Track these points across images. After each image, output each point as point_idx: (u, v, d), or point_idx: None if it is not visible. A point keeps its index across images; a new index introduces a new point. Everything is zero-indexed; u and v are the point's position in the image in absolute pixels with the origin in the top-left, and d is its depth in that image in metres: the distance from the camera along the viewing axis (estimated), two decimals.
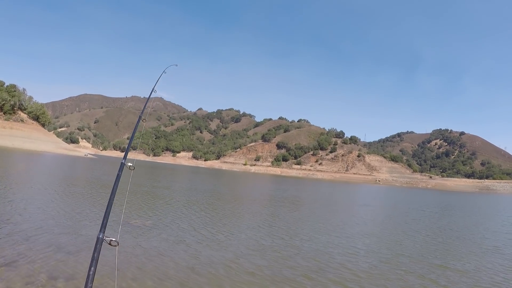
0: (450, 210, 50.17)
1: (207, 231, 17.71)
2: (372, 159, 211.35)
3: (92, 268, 3.12)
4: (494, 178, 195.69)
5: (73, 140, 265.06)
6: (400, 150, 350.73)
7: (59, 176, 38.76)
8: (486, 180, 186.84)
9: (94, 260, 3.16)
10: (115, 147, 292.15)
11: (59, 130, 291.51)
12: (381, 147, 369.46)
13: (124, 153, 5.06)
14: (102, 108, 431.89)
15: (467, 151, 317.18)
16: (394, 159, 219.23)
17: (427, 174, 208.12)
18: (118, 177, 4.06)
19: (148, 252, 12.83)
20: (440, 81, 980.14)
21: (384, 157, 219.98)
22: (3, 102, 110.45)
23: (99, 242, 3.30)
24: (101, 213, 18.68)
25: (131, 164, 4.40)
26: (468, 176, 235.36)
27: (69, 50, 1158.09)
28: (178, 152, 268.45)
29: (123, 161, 4.35)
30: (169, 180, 56.93)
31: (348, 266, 13.74)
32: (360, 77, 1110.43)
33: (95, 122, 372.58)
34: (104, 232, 3.41)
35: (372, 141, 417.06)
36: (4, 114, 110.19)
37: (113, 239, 3.42)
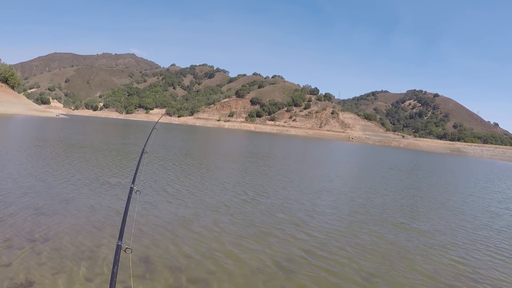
0: (419, 169, 51.46)
1: (172, 188, 17.58)
2: (346, 116, 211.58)
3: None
4: (465, 141, 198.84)
5: (44, 101, 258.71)
6: (374, 109, 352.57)
7: (29, 139, 38.28)
8: (457, 142, 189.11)
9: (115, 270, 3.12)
10: (87, 106, 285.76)
11: (29, 91, 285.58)
12: (355, 105, 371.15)
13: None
14: (72, 66, 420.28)
15: (440, 113, 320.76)
16: (367, 117, 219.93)
17: (400, 133, 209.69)
18: (128, 199, 4.50)
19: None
20: (416, 43, 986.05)
21: (358, 115, 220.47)
22: None
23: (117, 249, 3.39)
24: (76, 174, 19.58)
25: (138, 190, 5.12)
26: (440, 137, 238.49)
27: (36, 8, 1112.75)
28: (151, 109, 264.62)
29: (132, 185, 4.97)
30: (138, 138, 55.55)
31: (306, 222, 14.11)
32: (336, 35, 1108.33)
33: (66, 82, 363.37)
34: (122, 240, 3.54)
35: (346, 98, 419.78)
36: None
37: (128, 247, 3.59)
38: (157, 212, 13.52)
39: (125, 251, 3.47)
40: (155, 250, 9.87)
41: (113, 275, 2.91)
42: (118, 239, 3.44)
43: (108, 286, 2.85)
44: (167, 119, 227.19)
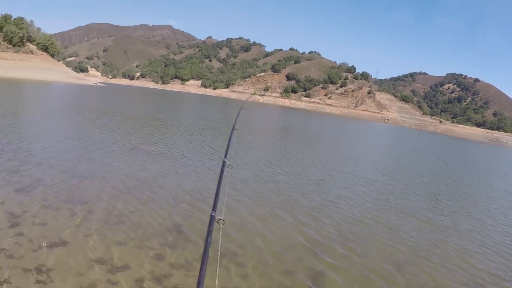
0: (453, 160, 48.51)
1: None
2: (383, 97, 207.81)
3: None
4: (505, 131, 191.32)
5: (82, 69, 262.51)
6: (412, 91, 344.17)
7: (67, 106, 39.91)
8: (497, 131, 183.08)
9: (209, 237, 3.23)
10: (124, 75, 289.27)
11: (68, 60, 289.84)
12: (392, 85, 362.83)
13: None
14: (110, 37, 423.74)
15: (480, 99, 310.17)
16: (404, 99, 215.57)
17: (437, 118, 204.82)
18: (222, 172, 4.78)
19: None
20: (457, 24, 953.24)
21: (395, 96, 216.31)
22: (11, 35, 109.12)
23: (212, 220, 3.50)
24: (108, 138, 20.82)
25: (230, 164, 5.41)
26: (479, 125, 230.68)
27: None
28: (187, 80, 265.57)
29: (224, 159, 5.31)
30: (175, 108, 57.32)
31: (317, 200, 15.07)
32: (375, 11, 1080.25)
33: (104, 51, 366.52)
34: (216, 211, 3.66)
35: (383, 78, 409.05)
36: (13, 46, 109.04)
37: (221, 218, 3.67)
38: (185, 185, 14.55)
39: (217, 222, 3.58)
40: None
41: (207, 244, 3.01)
42: (212, 210, 3.57)
43: (202, 255, 2.93)
44: (202, 91, 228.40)
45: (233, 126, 7.98)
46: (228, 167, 5.28)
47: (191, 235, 9.55)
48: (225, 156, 5.55)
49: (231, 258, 8.60)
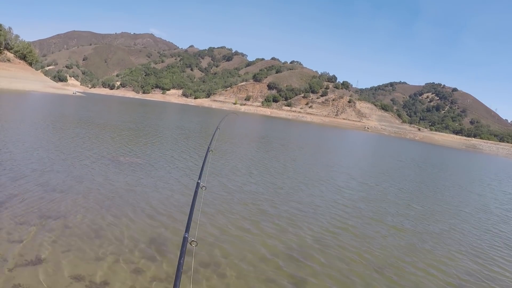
0: (432, 166, 50.02)
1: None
2: (363, 106, 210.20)
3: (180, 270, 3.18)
4: (481, 138, 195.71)
5: (61, 79, 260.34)
6: (391, 100, 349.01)
7: (43, 116, 38.74)
8: (473, 138, 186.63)
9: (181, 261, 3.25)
10: (104, 85, 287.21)
11: (47, 68, 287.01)
12: (372, 94, 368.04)
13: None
14: (91, 45, 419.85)
15: (458, 108, 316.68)
16: (384, 108, 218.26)
17: (416, 126, 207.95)
18: (195, 194, 4.89)
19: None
20: (438, 35, 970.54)
21: (375, 105, 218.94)
22: None
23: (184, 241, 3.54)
24: (90, 149, 20.72)
25: (204, 185, 5.48)
26: (456, 132, 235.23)
27: None
28: (168, 89, 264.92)
29: (198, 181, 5.33)
30: (158, 118, 57.34)
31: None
32: (357, 21, 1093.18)
33: (83, 60, 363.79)
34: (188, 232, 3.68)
35: (364, 88, 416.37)
36: None
37: (194, 240, 3.74)
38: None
39: (190, 244, 3.62)
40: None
41: (180, 266, 3.07)
42: (185, 232, 3.61)
43: (174, 276, 2.94)
44: (183, 100, 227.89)
45: (208, 147, 7.99)
46: (202, 188, 5.34)
47: (171, 248, 9.52)
48: (199, 178, 5.55)
49: (207, 274, 8.55)
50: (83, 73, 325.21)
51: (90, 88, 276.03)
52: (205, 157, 7.02)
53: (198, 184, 5.28)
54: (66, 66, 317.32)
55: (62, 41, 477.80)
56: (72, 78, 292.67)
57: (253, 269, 9.03)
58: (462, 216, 17.78)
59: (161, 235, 10.18)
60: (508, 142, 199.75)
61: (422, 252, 11.90)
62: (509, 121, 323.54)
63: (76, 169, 15.78)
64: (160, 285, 7.69)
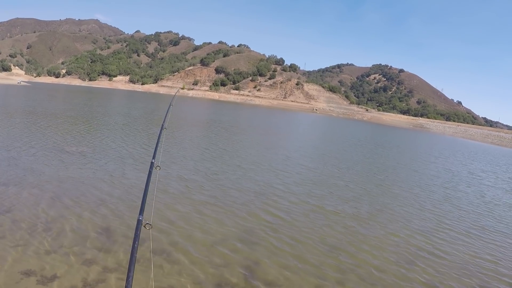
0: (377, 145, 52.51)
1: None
2: (311, 88, 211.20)
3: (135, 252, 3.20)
4: (428, 117, 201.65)
5: (5, 68, 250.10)
6: (339, 81, 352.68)
7: None
8: (420, 118, 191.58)
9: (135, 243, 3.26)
10: (49, 73, 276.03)
11: None
12: (320, 76, 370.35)
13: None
14: (35, 32, 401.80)
15: (405, 89, 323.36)
16: (332, 90, 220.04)
17: (364, 106, 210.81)
18: (149, 174, 4.79)
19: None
20: (384, 16, 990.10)
21: (323, 87, 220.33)
22: None
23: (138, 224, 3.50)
24: (29, 140, 20.25)
25: (158, 165, 5.40)
26: (404, 112, 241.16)
27: None
28: (115, 76, 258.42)
29: (152, 160, 5.23)
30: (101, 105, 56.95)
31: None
32: (304, 3, 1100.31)
33: (27, 48, 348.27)
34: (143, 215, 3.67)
35: (311, 70, 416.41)
36: None
37: (148, 222, 3.69)
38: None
39: (145, 226, 3.51)
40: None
41: (134, 250, 3.01)
42: (139, 214, 3.50)
43: (129, 260, 2.95)
44: (130, 87, 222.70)
45: (162, 125, 7.92)
46: (156, 168, 5.21)
47: (122, 238, 9.39)
48: (153, 157, 5.48)
49: (164, 257, 8.53)
50: (28, 62, 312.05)
51: (35, 77, 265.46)
52: (159, 135, 7.01)
53: (152, 163, 5.13)
54: (9, 55, 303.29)
55: (5, 29, 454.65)
56: (17, 67, 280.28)
57: (207, 253, 9.20)
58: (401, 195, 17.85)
59: (115, 222, 10.14)
60: (454, 121, 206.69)
61: (370, 230, 12.60)
62: (455, 101, 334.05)
63: (21, 161, 15.56)
64: (116, 273, 7.59)
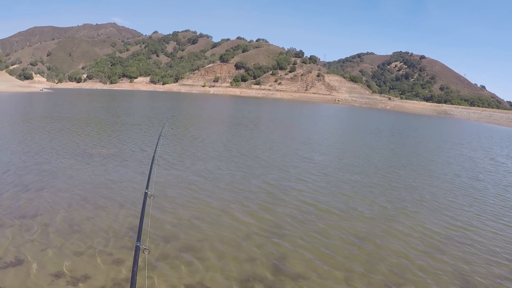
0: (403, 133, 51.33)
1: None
2: (332, 79, 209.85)
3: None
4: (452, 103, 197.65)
5: (26, 76, 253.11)
6: (360, 71, 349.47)
7: (12, 115, 39.38)
8: (444, 104, 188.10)
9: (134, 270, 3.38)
10: (70, 79, 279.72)
11: (11, 67, 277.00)
12: (340, 67, 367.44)
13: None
14: (53, 39, 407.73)
15: (427, 75, 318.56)
16: (353, 80, 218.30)
17: (386, 95, 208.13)
18: (144, 204, 5.00)
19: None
20: (402, 3, 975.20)
21: (344, 77, 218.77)
22: None
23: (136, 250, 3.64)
24: (55, 145, 20.17)
25: (152, 194, 5.50)
26: (427, 99, 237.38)
27: None
28: (135, 77, 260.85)
29: (146, 191, 5.41)
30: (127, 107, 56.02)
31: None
32: None
33: (47, 55, 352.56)
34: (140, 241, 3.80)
35: (331, 61, 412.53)
36: None
37: (146, 247, 3.87)
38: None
39: (143, 252, 3.67)
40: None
41: (134, 274, 3.14)
42: (137, 241, 3.62)
43: (129, 285, 3.07)
44: (151, 87, 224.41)
45: (153, 158, 7.91)
46: (150, 197, 5.37)
47: (151, 237, 9.43)
48: (147, 188, 5.61)
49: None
50: (49, 69, 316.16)
51: (57, 83, 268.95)
52: (151, 168, 7.06)
53: (146, 194, 5.40)
54: (30, 64, 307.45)
55: (24, 39, 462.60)
56: (38, 75, 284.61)
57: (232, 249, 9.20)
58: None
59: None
60: (478, 106, 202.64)
61: (397, 220, 12.19)
62: (478, 86, 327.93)
63: (49, 166, 15.65)
64: (144, 271, 7.41)
